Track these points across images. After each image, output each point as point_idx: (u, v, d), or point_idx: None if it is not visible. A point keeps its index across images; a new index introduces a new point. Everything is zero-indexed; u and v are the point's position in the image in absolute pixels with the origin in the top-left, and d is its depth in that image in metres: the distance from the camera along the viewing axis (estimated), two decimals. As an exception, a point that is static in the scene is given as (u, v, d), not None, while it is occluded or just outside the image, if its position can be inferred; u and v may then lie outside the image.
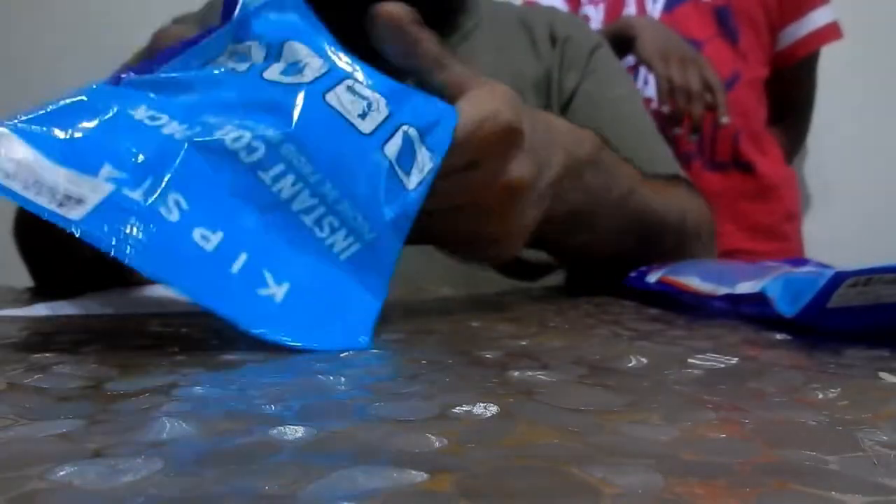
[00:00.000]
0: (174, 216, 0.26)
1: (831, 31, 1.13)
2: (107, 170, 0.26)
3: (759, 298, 0.32)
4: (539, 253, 0.65)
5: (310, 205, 0.29)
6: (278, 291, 0.27)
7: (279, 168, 0.28)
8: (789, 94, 1.16)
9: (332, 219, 0.29)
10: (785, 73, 1.13)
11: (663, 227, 0.52)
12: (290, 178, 0.28)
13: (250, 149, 0.28)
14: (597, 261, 0.50)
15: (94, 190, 0.26)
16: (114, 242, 0.25)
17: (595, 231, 0.47)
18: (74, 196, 0.25)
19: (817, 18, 1.12)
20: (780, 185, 1.11)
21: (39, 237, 0.50)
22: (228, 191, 0.28)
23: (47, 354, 0.24)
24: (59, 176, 0.25)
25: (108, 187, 0.26)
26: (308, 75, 0.30)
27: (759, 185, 1.08)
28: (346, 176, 0.29)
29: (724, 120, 0.95)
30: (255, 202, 0.28)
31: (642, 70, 1.01)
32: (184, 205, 0.26)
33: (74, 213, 0.25)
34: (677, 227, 0.53)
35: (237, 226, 0.27)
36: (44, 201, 0.25)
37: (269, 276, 0.27)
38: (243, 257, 0.27)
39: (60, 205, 0.25)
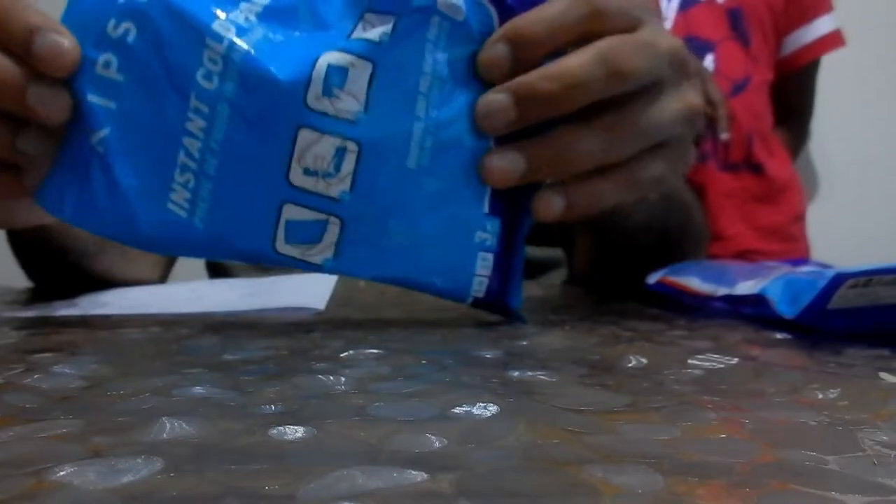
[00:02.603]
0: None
1: (834, 39, 1.14)
2: None
3: (759, 300, 0.32)
4: (543, 250, 0.66)
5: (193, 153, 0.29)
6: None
7: (204, 108, 0.29)
8: (790, 99, 1.16)
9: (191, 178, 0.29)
10: (787, 79, 1.14)
11: (698, 227, 0.53)
12: (201, 122, 0.29)
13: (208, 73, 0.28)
14: (629, 257, 0.49)
15: None
16: None
17: (656, 215, 0.46)
18: None
19: (821, 26, 1.12)
20: (788, 186, 1.11)
21: (34, 248, 0.50)
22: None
23: (47, 354, 0.24)
24: None
25: None
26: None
27: (769, 187, 1.09)
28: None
29: (724, 136, 0.96)
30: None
31: None
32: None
33: None
34: (702, 230, 0.54)
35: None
36: None
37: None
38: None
39: None
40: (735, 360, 0.23)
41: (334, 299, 0.40)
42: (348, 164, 0.29)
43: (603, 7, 0.30)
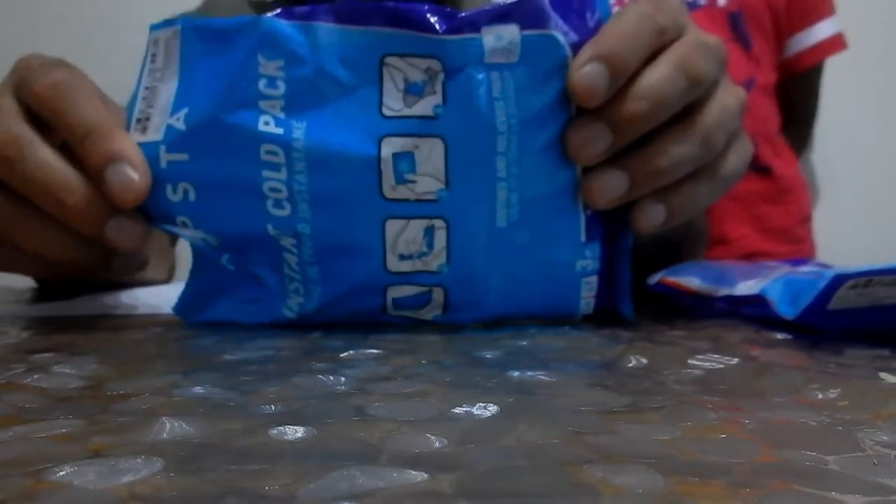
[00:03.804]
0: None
1: (836, 43, 1.14)
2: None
3: (759, 300, 0.32)
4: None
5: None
6: None
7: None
8: (794, 101, 1.16)
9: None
10: (790, 81, 1.14)
11: (698, 228, 0.53)
12: (291, 240, 0.29)
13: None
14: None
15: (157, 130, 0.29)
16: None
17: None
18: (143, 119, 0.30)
19: (823, 29, 1.12)
20: (795, 187, 1.12)
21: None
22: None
23: (47, 354, 0.24)
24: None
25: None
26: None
27: (776, 188, 1.09)
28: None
29: None
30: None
31: None
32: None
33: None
34: (701, 230, 0.54)
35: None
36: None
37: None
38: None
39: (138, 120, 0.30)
40: (735, 360, 0.23)
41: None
42: (440, 241, 0.29)
43: (664, 22, 0.30)
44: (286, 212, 0.28)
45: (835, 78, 1.20)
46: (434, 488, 0.12)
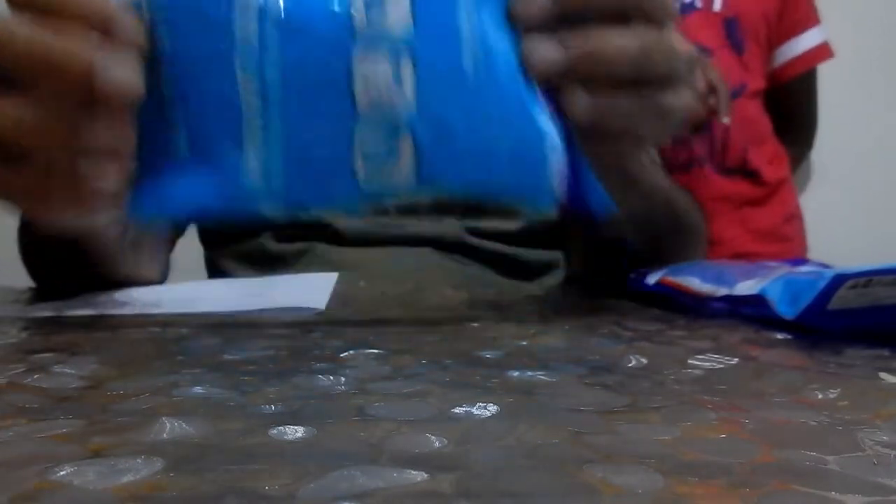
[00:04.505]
0: None
1: (822, 52, 1.15)
2: None
3: (759, 300, 0.32)
4: (538, 252, 0.65)
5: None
6: None
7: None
8: (790, 109, 1.17)
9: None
10: (784, 89, 1.15)
11: (688, 227, 0.53)
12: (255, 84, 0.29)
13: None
14: (619, 250, 0.50)
15: None
16: None
17: (647, 214, 0.47)
18: None
19: (811, 38, 1.14)
20: (780, 187, 1.12)
21: (42, 245, 0.50)
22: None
23: (47, 354, 0.24)
24: None
25: None
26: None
27: (762, 190, 1.10)
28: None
29: (725, 120, 0.96)
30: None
31: None
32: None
33: None
34: (697, 230, 0.54)
35: None
36: None
37: None
38: None
39: None
40: (735, 360, 0.23)
41: (334, 299, 0.40)
42: (407, 80, 0.29)
43: None
44: (255, 45, 0.29)
45: (829, 81, 1.21)
46: (434, 488, 0.12)
